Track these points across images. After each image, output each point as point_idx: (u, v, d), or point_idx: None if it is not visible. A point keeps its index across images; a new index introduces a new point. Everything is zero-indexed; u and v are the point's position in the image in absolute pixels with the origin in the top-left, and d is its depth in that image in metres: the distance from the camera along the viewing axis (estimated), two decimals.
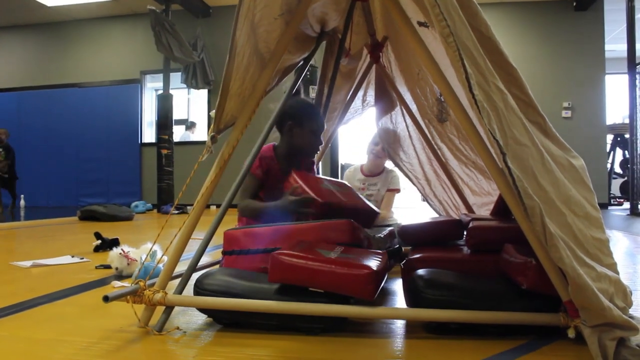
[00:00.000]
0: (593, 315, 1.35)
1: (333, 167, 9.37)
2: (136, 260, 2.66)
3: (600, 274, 1.41)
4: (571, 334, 1.44)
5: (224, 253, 2.02)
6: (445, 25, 1.41)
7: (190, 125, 11.15)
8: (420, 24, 2.00)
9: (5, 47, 11.79)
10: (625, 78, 8.20)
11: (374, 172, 3.64)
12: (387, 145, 3.77)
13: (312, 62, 2.65)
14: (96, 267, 2.96)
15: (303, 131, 2.35)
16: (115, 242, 3.60)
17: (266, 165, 2.35)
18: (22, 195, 10.69)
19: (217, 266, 2.10)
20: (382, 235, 2.29)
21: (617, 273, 1.49)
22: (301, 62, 2.56)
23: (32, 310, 1.99)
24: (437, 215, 3.85)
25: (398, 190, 3.61)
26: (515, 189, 1.38)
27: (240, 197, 2.29)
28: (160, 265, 1.96)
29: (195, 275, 1.85)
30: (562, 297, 1.45)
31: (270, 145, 2.41)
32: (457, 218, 2.05)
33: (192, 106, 12.28)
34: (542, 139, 1.57)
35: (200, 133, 11.11)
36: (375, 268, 1.58)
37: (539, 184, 1.43)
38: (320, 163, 4.50)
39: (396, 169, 3.81)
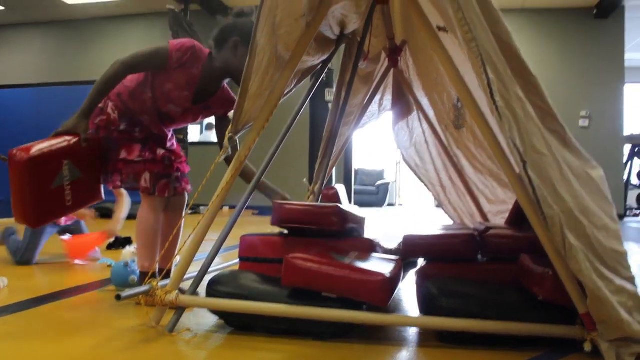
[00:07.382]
0: (611, 329, 1.32)
1: (347, 172, 9.33)
2: None
3: (619, 287, 1.39)
4: (587, 347, 1.41)
5: (241, 259, 2.01)
6: (468, 30, 1.40)
7: (209, 127, 11.10)
8: (440, 28, 1.98)
9: (25, 43, 11.90)
10: None
11: None
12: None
13: (329, 65, 2.64)
14: (99, 262, 2.94)
15: (245, 54, 1.88)
16: (128, 241, 3.61)
17: (190, 59, 2.06)
18: None
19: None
20: (397, 247, 2.27)
21: (636, 286, 1.46)
22: (320, 66, 2.55)
23: (45, 306, 1.99)
24: (450, 223, 3.81)
25: None
26: (535, 197, 1.36)
27: (126, 59, 2.17)
28: (173, 264, 1.96)
29: (208, 277, 1.84)
30: (579, 309, 1.42)
31: (203, 47, 2.14)
32: (470, 232, 2.00)
33: None
34: (559, 149, 1.54)
35: None
36: (389, 275, 1.57)
37: (558, 194, 1.41)
38: (334, 169, 4.48)
39: None
